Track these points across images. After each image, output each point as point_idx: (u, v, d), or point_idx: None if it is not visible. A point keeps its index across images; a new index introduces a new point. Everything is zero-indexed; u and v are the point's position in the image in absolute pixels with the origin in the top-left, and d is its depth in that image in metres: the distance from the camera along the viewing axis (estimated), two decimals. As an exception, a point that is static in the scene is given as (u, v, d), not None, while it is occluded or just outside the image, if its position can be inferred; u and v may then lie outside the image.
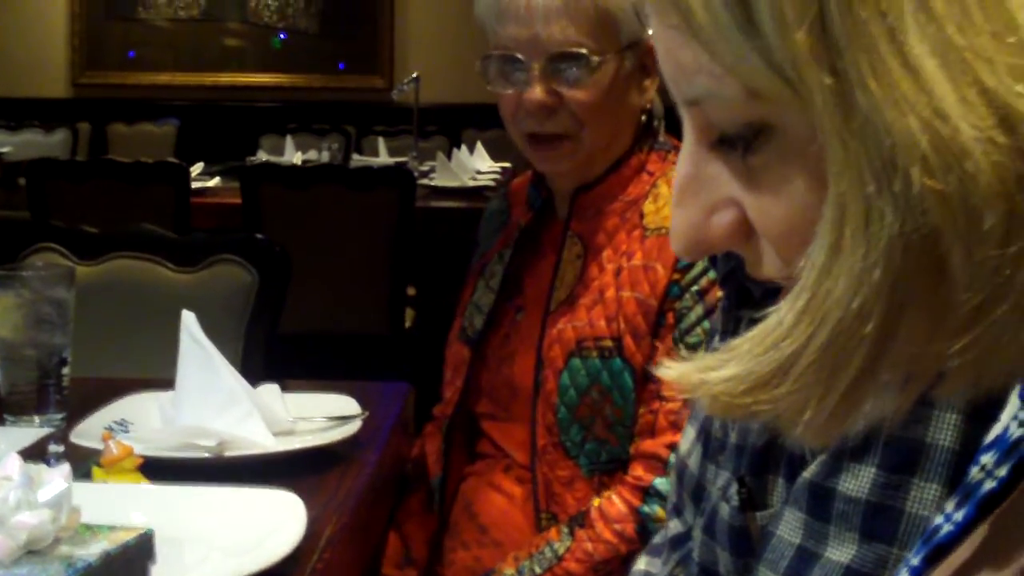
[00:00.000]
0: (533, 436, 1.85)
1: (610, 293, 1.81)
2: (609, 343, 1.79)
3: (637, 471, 1.76)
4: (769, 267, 0.60)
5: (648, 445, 1.76)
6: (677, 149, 1.95)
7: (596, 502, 1.76)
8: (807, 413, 0.55)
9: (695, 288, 1.76)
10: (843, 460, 0.94)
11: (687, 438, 1.23)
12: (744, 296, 1.16)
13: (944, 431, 0.90)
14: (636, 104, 1.90)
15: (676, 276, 1.77)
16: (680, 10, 0.56)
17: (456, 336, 2.02)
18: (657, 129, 1.93)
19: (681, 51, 0.57)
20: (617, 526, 1.73)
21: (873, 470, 0.92)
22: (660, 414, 1.76)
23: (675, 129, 1.95)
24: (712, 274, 1.74)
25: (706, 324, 1.73)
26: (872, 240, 0.51)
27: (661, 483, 1.73)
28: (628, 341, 1.78)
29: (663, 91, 1.98)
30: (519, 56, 1.84)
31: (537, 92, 1.83)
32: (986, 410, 0.72)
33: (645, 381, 1.77)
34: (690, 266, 1.76)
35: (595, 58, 1.82)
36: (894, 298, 0.52)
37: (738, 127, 0.56)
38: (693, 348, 1.74)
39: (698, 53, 0.56)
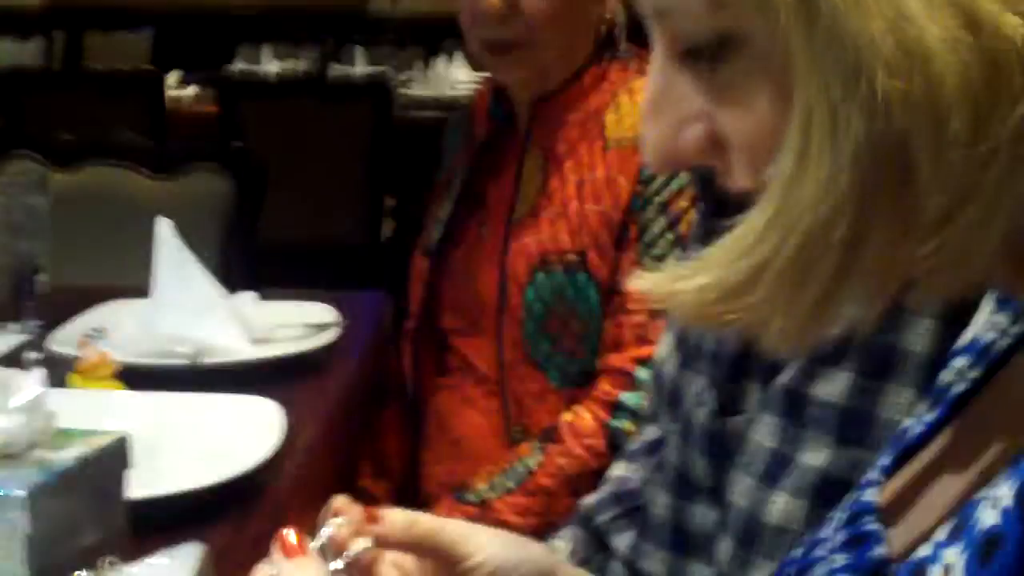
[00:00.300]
0: (500, 351, 1.84)
1: (573, 207, 1.80)
2: (573, 257, 1.78)
3: (604, 386, 1.76)
4: (740, 179, 0.59)
5: (614, 360, 1.76)
6: (639, 59, 1.93)
7: (566, 417, 1.76)
8: (777, 321, 0.55)
9: (658, 200, 1.75)
10: (818, 365, 0.94)
11: (664, 344, 1.23)
12: (722, 205, 1.15)
13: (919, 336, 0.90)
14: (594, 12, 1.86)
15: (639, 188, 1.76)
16: None
17: (419, 250, 2.01)
18: (618, 39, 1.89)
19: None
20: (587, 441, 1.73)
21: (848, 375, 0.92)
22: (625, 328, 1.75)
23: (637, 39, 1.93)
24: (676, 184, 1.73)
25: (670, 236, 1.72)
26: (839, 146, 0.51)
27: (628, 397, 1.73)
28: (592, 255, 1.77)
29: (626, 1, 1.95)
30: None
31: None
32: (962, 316, 0.72)
33: (610, 295, 1.77)
34: (653, 178, 1.75)
35: None
36: (862, 203, 0.52)
37: (705, 38, 0.56)
38: (658, 260, 1.73)
39: None
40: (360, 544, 0.79)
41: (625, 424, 1.72)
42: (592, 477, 1.56)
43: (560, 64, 1.86)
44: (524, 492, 1.73)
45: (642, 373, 1.70)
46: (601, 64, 1.87)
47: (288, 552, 0.69)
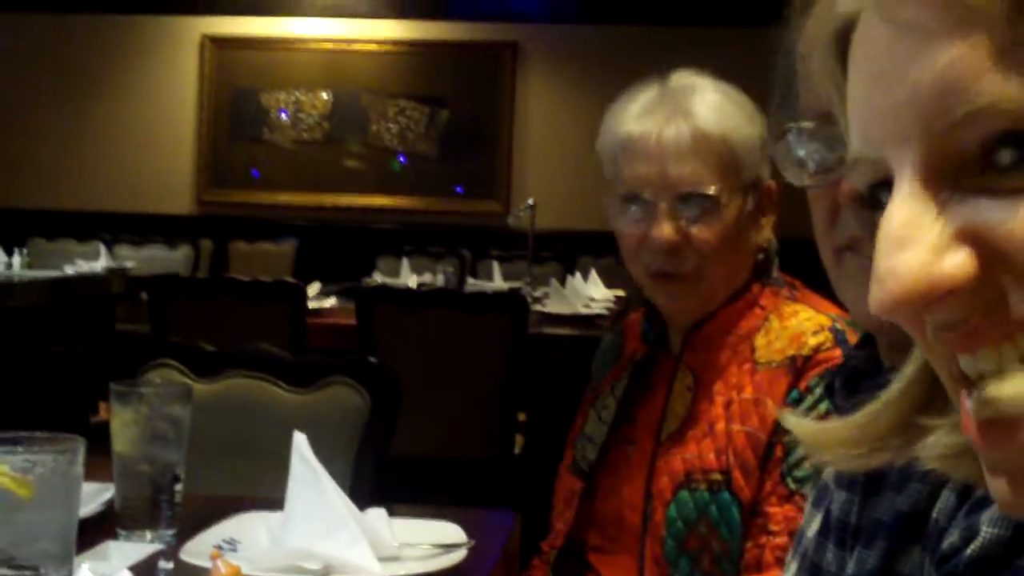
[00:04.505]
0: (641, 570, 1.83)
1: (720, 426, 1.80)
2: (718, 476, 1.78)
3: None
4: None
5: None
6: (790, 286, 1.96)
7: None
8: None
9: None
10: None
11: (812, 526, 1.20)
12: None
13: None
14: (754, 241, 1.91)
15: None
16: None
17: (568, 468, 2.01)
18: (772, 265, 1.93)
19: (944, 56, 0.49)
20: None
21: None
22: (767, 549, 1.74)
23: (787, 268, 1.96)
24: (823, 407, 1.72)
25: None
26: None
27: None
28: (737, 475, 1.77)
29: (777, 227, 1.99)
30: (646, 195, 1.86)
31: (665, 231, 1.85)
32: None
33: (753, 515, 1.76)
34: (800, 399, 1.75)
35: (723, 197, 1.84)
36: None
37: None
38: (801, 482, 1.72)
39: (974, 48, 0.48)
40: None
41: None
42: None
43: (721, 291, 1.91)
44: None
45: None
46: (755, 289, 1.91)
47: None
